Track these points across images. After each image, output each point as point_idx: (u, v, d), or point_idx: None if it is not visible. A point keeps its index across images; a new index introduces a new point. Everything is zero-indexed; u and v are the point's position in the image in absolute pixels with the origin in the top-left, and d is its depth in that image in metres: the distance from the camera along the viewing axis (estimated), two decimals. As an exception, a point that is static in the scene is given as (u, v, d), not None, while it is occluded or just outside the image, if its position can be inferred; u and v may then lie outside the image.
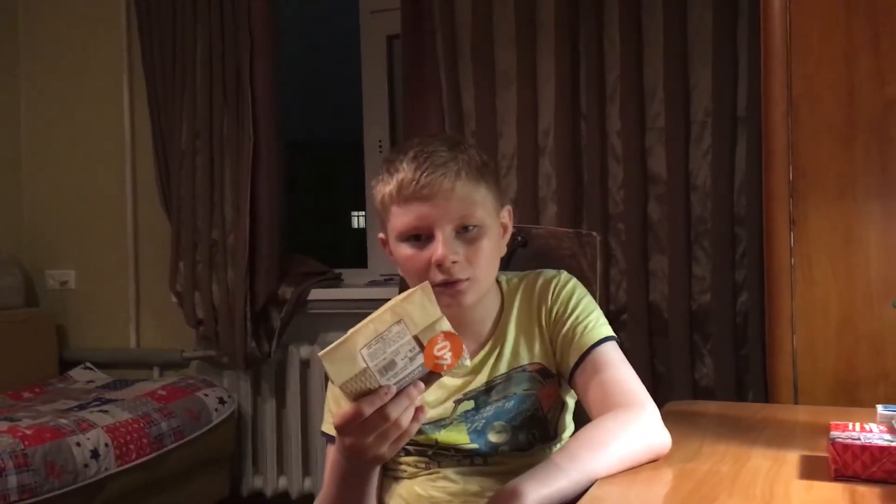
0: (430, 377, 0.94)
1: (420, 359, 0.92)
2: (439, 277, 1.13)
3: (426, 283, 0.94)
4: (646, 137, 2.40)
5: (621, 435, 1.05)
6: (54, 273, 3.37)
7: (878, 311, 1.52)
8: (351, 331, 0.91)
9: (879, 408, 1.08)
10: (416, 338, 0.92)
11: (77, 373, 3.14)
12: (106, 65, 3.26)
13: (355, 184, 3.25)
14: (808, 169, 1.58)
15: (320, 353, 0.90)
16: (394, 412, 0.91)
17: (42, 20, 3.38)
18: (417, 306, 0.92)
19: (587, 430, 1.08)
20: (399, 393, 0.92)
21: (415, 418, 0.94)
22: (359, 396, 0.91)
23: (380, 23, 3.01)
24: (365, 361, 0.90)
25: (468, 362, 1.10)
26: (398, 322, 0.91)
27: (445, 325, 0.93)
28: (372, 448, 0.93)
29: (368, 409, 0.90)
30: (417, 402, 0.93)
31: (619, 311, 2.41)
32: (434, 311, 0.93)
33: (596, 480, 0.99)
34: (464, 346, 0.94)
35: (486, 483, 1.19)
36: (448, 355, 0.93)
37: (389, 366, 0.91)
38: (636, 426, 1.07)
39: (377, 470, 1.10)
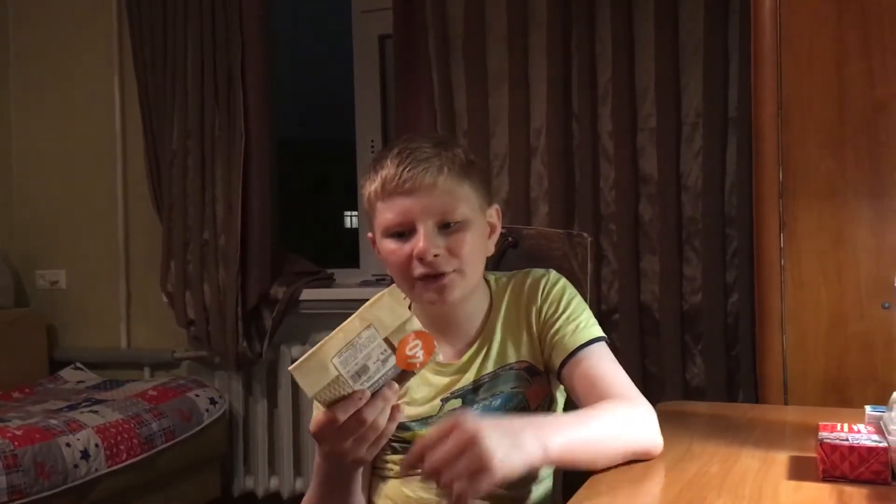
0: (403, 376, 0.95)
1: (392, 360, 0.93)
2: (420, 270, 1.13)
3: (394, 287, 0.96)
4: (637, 138, 2.40)
5: (620, 416, 1.07)
6: (45, 273, 3.36)
7: (868, 312, 1.52)
8: (320, 342, 0.91)
9: (868, 408, 1.09)
10: (386, 340, 0.93)
11: (67, 373, 3.13)
12: (97, 64, 3.25)
13: (348, 183, 3.25)
14: (798, 170, 1.58)
15: (291, 368, 0.91)
16: (369, 415, 0.92)
17: (33, 19, 3.37)
18: (386, 310, 0.93)
19: (587, 407, 1.10)
20: (374, 395, 0.92)
21: (391, 418, 0.95)
22: (333, 404, 0.92)
23: (372, 22, 3.00)
24: (337, 369, 0.90)
25: (440, 357, 1.10)
26: (368, 327, 0.92)
27: (416, 325, 0.94)
28: (351, 452, 0.94)
29: (342, 415, 0.91)
30: (393, 401, 0.94)
31: (610, 311, 2.42)
32: (403, 312, 0.94)
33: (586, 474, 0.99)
34: (435, 343, 0.95)
35: (476, 483, 1.19)
36: (420, 353, 0.94)
37: (362, 371, 0.92)
38: (636, 414, 1.08)
39: (360, 471, 1.10)
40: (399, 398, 0.97)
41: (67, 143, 3.32)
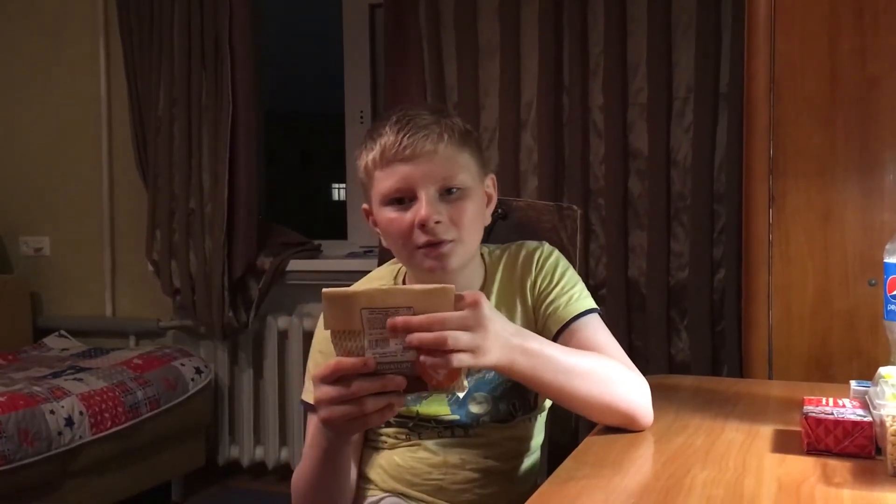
0: (416, 383, 0.89)
1: (412, 355, 0.87)
2: (423, 238, 1.12)
3: (452, 287, 0.89)
4: (628, 112, 2.39)
5: (613, 368, 1.08)
6: (28, 239, 3.33)
7: (854, 289, 1.53)
8: (367, 287, 0.87)
9: (853, 383, 1.10)
10: None
11: (51, 340, 3.12)
12: (82, 29, 3.20)
13: (336, 155, 3.22)
14: (789, 146, 1.58)
15: (325, 290, 0.86)
16: (357, 388, 0.88)
17: (16, -19, 3.31)
18: (435, 304, 0.87)
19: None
20: (377, 374, 0.88)
21: (381, 412, 0.91)
22: (343, 354, 0.88)
23: (362, -9, 2.97)
24: (362, 323, 0.86)
25: (460, 394, 1.08)
26: (409, 308, 0.86)
27: None
28: (329, 411, 0.91)
29: (336, 374, 0.88)
30: (391, 393, 0.89)
31: (598, 285, 2.43)
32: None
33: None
34: (465, 380, 0.90)
35: (467, 455, 1.20)
36: (442, 374, 0.88)
37: (382, 342, 0.87)
38: (630, 376, 1.09)
39: (350, 443, 1.09)
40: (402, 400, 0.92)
41: (52, 108, 3.27)
